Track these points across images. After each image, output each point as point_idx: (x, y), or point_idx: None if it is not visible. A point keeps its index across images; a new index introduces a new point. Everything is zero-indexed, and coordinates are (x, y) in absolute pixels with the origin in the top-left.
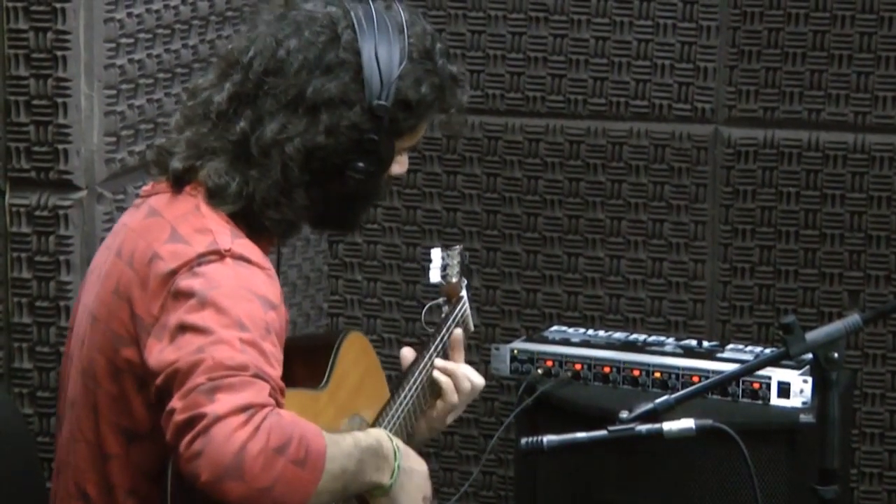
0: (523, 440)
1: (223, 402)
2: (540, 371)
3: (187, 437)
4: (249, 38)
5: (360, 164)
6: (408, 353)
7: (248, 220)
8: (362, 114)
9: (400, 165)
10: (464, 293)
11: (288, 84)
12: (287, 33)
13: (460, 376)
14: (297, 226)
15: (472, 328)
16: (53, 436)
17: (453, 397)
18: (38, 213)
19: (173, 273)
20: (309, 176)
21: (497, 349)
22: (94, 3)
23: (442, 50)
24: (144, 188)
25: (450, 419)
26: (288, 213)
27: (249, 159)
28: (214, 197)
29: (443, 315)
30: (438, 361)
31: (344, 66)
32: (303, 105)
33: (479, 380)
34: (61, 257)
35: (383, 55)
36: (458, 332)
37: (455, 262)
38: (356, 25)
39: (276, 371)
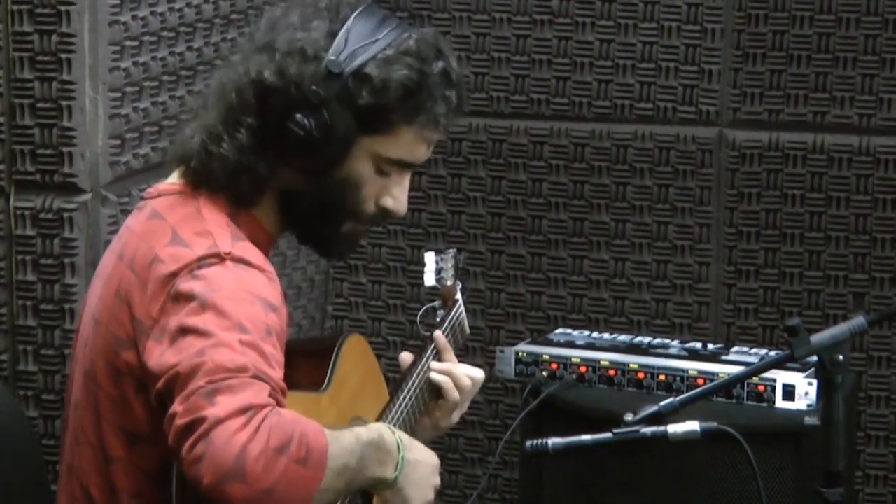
0: (528, 443)
1: (223, 405)
2: (545, 374)
3: (189, 442)
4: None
5: (298, 116)
6: (406, 357)
7: (243, 208)
8: (316, 70)
9: (393, 199)
10: (459, 296)
11: (268, 34)
12: (298, 5)
13: (458, 374)
14: (245, 176)
15: (467, 331)
16: (58, 438)
17: (454, 395)
18: (42, 215)
19: (173, 276)
20: (253, 118)
21: (502, 352)
22: (98, 5)
23: (444, 69)
24: (148, 190)
25: (455, 417)
26: (231, 153)
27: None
28: (182, 161)
29: (438, 318)
30: (434, 364)
31: (321, 28)
32: (269, 50)
33: (479, 374)
34: (66, 260)
35: (364, 31)
36: (439, 334)
37: (449, 265)
38: (363, 11)
39: (276, 372)
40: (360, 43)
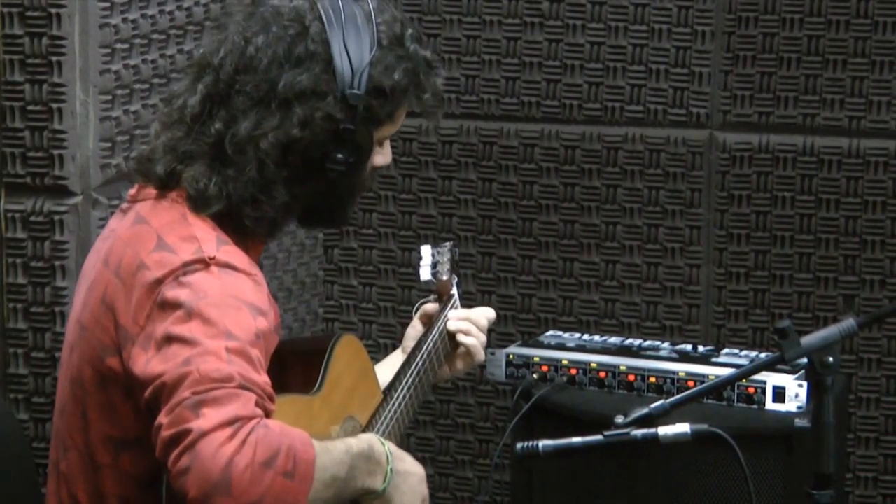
0: (519, 445)
1: (209, 417)
2: (535, 376)
3: (174, 453)
4: (219, 39)
5: (339, 156)
6: (429, 308)
7: (234, 221)
8: (336, 104)
9: (383, 156)
10: (454, 291)
11: (259, 80)
12: (255, 30)
13: (476, 317)
14: (279, 224)
15: None
16: (49, 441)
17: (479, 338)
18: (33, 218)
19: (159, 282)
20: (287, 171)
21: (492, 354)
22: (89, 8)
23: (413, 35)
24: (131, 191)
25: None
26: (268, 211)
27: (226, 159)
28: (197, 202)
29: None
30: (451, 318)
31: (314, 57)
32: (275, 100)
33: (491, 312)
34: (56, 263)
35: (353, 44)
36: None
37: (445, 259)
38: (323, 17)
39: (264, 377)
40: (356, 59)
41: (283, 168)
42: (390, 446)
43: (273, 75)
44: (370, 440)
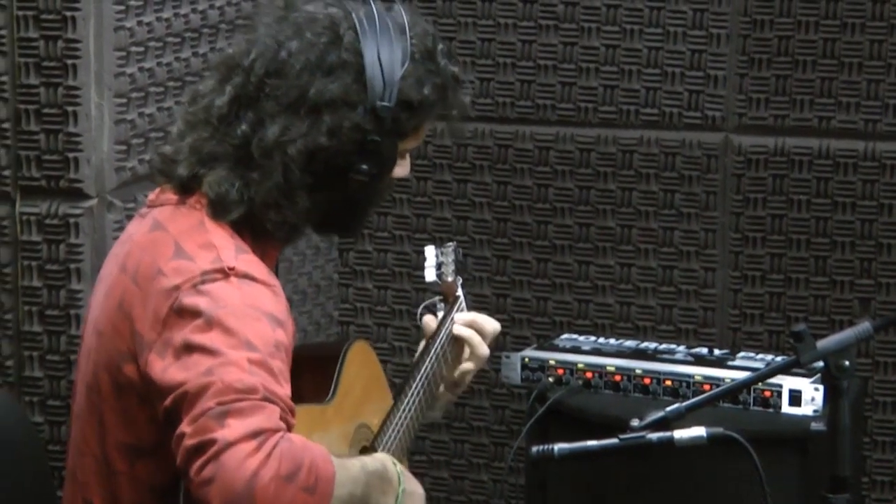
0: (534, 448)
1: (234, 428)
2: (551, 379)
3: (198, 463)
4: (249, 40)
5: (364, 166)
6: (430, 321)
7: (252, 226)
8: (365, 115)
9: (402, 168)
10: (460, 292)
11: (289, 86)
12: (288, 35)
13: (481, 321)
14: (299, 229)
15: None
16: (64, 444)
17: (482, 349)
18: (48, 221)
19: (176, 289)
20: (311, 178)
21: (507, 357)
22: (104, 11)
23: (444, 51)
24: (150, 196)
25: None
26: (290, 216)
27: (250, 162)
28: (216, 208)
29: (440, 315)
30: (458, 322)
31: (346, 67)
32: (305, 106)
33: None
34: (72, 266)
35: (385, 56)
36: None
37: (450, 259)
38: (358, 26)
39: (285, 389)
40: (388, 71)
41: (307, 175)
42: (400, 466)
43: (304, 82)
44: (384, 460)
